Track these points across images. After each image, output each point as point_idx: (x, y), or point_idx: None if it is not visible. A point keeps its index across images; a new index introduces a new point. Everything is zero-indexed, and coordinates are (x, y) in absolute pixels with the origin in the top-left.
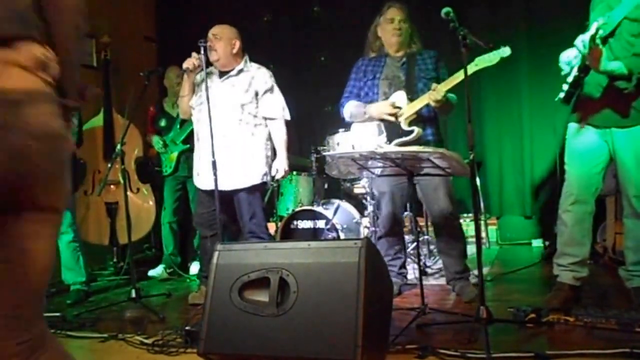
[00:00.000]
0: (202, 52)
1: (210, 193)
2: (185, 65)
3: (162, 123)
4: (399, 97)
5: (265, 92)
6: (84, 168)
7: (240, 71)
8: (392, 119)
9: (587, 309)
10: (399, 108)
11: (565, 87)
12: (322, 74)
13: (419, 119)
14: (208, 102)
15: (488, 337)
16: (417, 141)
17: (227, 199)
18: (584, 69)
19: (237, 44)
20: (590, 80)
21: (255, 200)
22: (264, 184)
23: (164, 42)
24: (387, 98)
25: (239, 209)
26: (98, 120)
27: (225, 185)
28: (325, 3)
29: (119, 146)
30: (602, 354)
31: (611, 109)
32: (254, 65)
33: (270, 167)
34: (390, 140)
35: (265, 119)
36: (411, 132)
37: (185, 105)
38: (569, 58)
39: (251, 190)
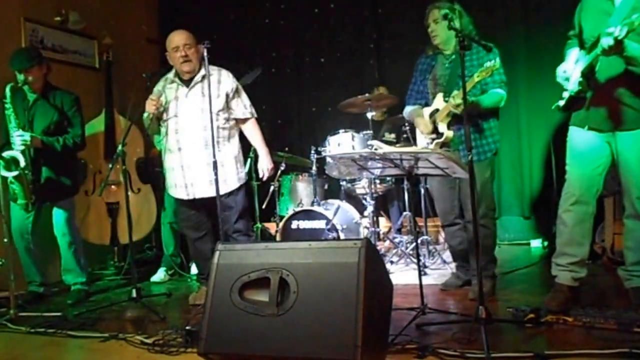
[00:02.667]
0: (205, 54)
1: (194, 201)
2: (149, 110)
3: None
4: (438, 99)
5: (234, 94)
6: (85, 168)
7: (204, 76)
8: (427, 131)
9: (586, 309)
10: (435, 114)
11: (565, 94)
12: (322, 74)
13: (457, 119)
14: (210, 108)
15: (487, 337)
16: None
17: (212, 204)
18: (587, 73)
19: (201, 49)
20: (600, 76)
21: (241, 200)
22: (245, 182)
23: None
24: (434, 98)
25: (226, 210)
26: (99, 121)
27: (212, 192)
28: (325, 4)
29: (120, 147)
30: (600, 354)
31: (614, 113)
32: (214, 68)
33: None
34: (432, 140)
35: (237, 120)
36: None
37: (153, 123)
38: (566, 73)
39: (237, 192)
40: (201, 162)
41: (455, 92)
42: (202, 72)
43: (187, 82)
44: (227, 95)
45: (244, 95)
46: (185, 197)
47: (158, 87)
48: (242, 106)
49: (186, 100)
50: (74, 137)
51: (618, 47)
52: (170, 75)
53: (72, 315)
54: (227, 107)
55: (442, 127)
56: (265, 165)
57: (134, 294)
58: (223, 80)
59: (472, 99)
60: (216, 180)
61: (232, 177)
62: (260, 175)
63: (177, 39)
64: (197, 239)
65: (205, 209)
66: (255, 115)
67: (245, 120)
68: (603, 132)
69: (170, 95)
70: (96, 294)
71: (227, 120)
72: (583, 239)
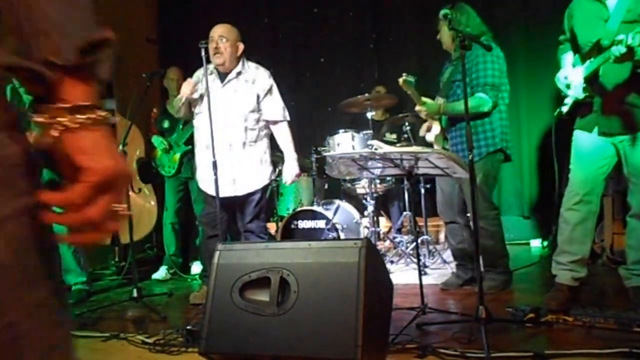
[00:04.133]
0: (203, 53)
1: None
2: (184, 91)
3: (165, 124)
4: (438, 101)
5: (266, 94)
6: None
7: (239, 73)
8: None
9: (586, 309)
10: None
11: (568, 100)
12: (322, 74)
13: (452, 121)
14: (209, 105)
15: (487, 337)
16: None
17: (235, 202)
18: (591, 79)
19: (241, 46)
20: (606, 82)
21: (261, 201)
22: (269, 183)
23: (165, 43)
24: None
25: (244, 210)
26: None
27: (237, 191)
28: (324, 4)
29: (120, 147)
30: (600, 353)
31: (626, 118)
32: (252, 66)
33: (274, 166)
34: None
35: (268, 121)
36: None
37: (182, 113)
38: (567, 79)
39: (259, 192)
40: (223, 161)
41: (424, 99)
42: (238, 69)
43: (224, 77)
44: (258, 96)
45: (277, 97)
46: (211, 193)
47: (198, 73)
48: (274, 108)
49: (217, 96)
50: None
51: (630, 54)
52: (211, 66)
53: (73, 315)
54: (257, 107)
55: (435, 127)
56: (292, 171)
57: (135, 294)
58: (258, 80)
59: (444, 104)
60: (216, 181)
61: (251, 179)
62: (284, 181)
63: (214, 30)
64: (210, 236)
65: (223, 208)
66: (288, 119)
67: (275, 122)
68: (607, 135)
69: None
70: (97, 294)
71: (257, 121)
72: (584, 237)
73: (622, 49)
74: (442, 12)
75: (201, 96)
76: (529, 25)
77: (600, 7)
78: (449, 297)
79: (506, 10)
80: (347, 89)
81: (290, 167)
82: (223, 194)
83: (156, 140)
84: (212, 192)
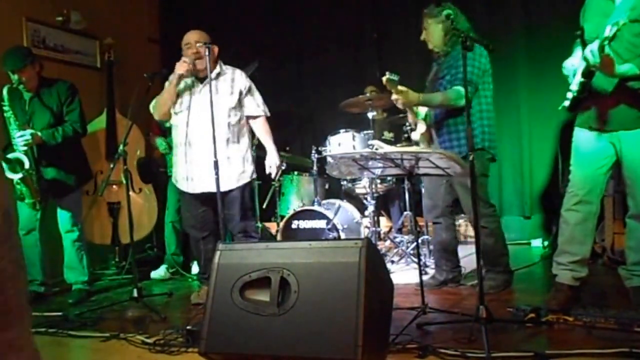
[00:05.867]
0: (206, 53)
1: (199, 196)
2: (180, 70)
3: (167, 124)
4: None
5: (247, 92)
6: (89, 170)
7: (219, 74)
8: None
9: (586, 309)
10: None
11: (569, 95)
12: (322, 74)
13: (439, 122)
14: (211, 105)
15: (488, 337)
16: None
17: (213, 198)
18: (588, 74)
19: (216, 49)
20: (594, 85)
21: (247, 199)
22: (252, 181)
23: (167, 43)
24: None
25: (230, 209)
26: (101, 121)
27: (213, 187)
28: (326, 5)
29: (121, 146)
30: (601, 353)
31: (617, 112)
32: (229, 68)
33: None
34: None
35: (248, 118)
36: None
37: (167, 107)
38: (574, 66)
39: (243, 189)
40: (207, 157)
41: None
42: (217, 70)
43: (202, 80)
44: (241, 93)
45: (257, 94)
46: (188, 191)
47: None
48: (255, 104)
49: (199, 96)
50: (73, 124)
51: (606, 60)
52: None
53: (73, 315)
54: (239, 104)
55: (420, 126)
56: (273, 162)
57: (135, 294)
58: (237, 79)
59: (423, 95)
60: (217, 180)
61: (231, 176)
62: (268, 172)
63: (190, 36)
64: (201, 238)
65: (210, 207)
66: (268, 114)
67: (256, 117)
68: (606, 132)
69: (186, 89)
70: (97, 294)
71: (239, 118)
72: (585, 238)
73: (595, 52)
74: (445, 12)
75: (179, 96)
76: (529, 25)
77: (608, 4)
78: (449, 297)
79: (506, 12)
80: (347, 89)
81: (273, 158)
82: (200, 189)
83: (159, 141)
84: (189, 190)
